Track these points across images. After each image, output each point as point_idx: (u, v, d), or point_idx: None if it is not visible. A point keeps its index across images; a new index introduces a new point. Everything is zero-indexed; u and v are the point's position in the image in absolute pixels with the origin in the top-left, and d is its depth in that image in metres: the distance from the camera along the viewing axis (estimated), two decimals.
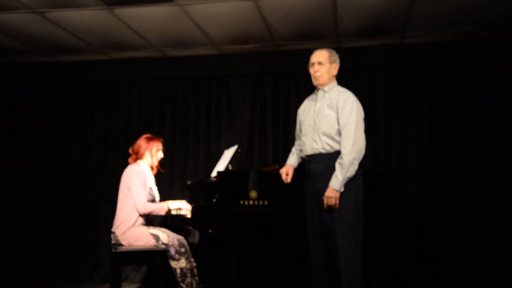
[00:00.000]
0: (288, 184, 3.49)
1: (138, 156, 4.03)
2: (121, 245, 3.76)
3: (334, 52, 3.46)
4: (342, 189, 3.16)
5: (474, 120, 4.85)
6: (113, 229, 3.84)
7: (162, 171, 4.29)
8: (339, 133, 3.26)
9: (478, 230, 4.66)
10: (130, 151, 4.10)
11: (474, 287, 4.52)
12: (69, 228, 5.42)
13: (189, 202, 4.22)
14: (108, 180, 5.32)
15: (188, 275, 3.70)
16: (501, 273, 4.55)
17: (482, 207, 4.69)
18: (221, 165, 4.19)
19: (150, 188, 3.96)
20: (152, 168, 4.11)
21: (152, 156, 4.06)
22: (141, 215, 3.84)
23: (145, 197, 3.84)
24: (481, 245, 4.64)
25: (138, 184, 3.82)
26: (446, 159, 4.84)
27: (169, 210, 3.94)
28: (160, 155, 4.14)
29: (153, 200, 3.96)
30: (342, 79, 3.55)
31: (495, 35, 4.83)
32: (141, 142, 4.05)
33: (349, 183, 3.19)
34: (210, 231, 3.62)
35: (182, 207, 4.00)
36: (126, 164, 4.10)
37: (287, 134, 5.09)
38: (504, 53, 4.84)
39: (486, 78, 4.87)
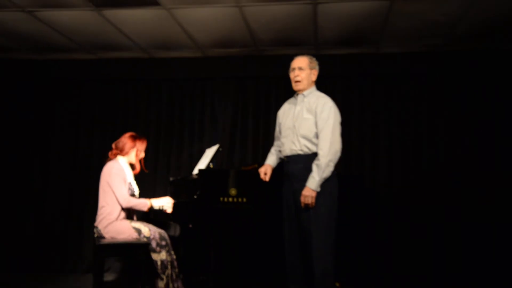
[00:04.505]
0: (266, 182, 3.60)
1: (122, 154, 4.00)
2: (104, 238, 3.77)
3: (314, 59, 3.58)
4: (319, 189, 3.28)
5: (441, 125, 5.09)
6: (95, 224, 3.84)
7: (146, 171, 4.28)
8: (317, 136, 3.37)
9: (445, 226, 4.90)
10: (113, 146, 4.04)
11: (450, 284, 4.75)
12: (54, 221, 5.45)
13: (171, 197, 4.29)
14: (93, 175, 5.26)
15: (169, 266, 3.74)
16: (471, 268, 4.80)
17: (447, 204, 4.93)
18: (203, 163, 4.26)
19: (130, 183, 3.94)
20: (132, 166, 4.09)
21: (136, 155, 4.06)
22: (123, 210, 3.85)
23: (126, 191, 3.83)
24: (448, 241, 4.86)
25: (118, 180, 3.81)
26: (415, 162, 5.08)
27: (152, 207, 3.92)
28: (142, 155, 4.13)
29: (132, 195, 3.93)
30: (321, 85, 3.66)
31: (464, 49, 5.06)
32: (127, 140, 4.02)
33: (325, 184, 3.30)
34: (190, 226, 3.71)
35: (165, 204, 3.94)
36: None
37: (267, 135, 5.20)
38: (473, 65, 5.07)
39: (456, 88, 5.10)
